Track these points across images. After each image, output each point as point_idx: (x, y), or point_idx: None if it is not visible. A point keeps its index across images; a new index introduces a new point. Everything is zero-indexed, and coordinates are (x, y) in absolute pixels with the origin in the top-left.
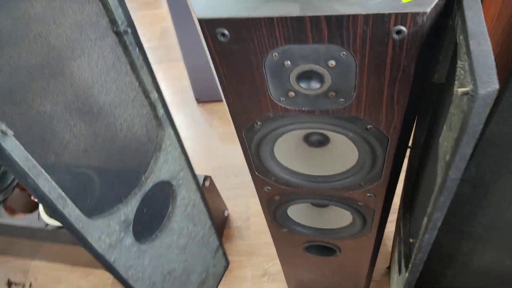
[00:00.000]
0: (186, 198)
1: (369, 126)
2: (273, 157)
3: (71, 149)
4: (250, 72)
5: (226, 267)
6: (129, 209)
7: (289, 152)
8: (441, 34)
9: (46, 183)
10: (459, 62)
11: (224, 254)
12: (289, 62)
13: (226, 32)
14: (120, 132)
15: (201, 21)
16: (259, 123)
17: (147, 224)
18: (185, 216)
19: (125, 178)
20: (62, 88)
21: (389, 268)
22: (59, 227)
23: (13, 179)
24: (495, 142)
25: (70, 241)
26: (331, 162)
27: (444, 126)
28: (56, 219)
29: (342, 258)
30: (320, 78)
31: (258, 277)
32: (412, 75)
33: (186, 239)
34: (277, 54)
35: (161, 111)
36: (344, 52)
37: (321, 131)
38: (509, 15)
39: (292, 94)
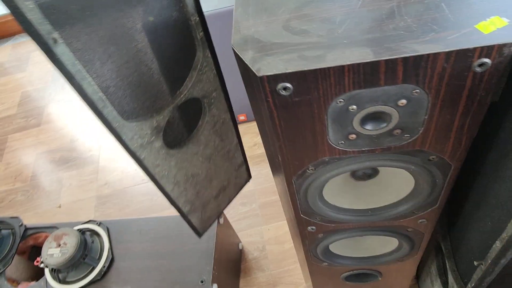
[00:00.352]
0: (216, 116)
1: (432, 157)
2: (321, 198)
3: (114, 59)
4: (311, 120)
5: (247, 180)
6: (161, 117)
7: (336, 190)
8: None
9: (89, 87)
10: None
11: (248, 169)
12: (354, 107)
13: (289, 85)
14: (160, 50)
15: (262, 78)
16: (311, 168)
17: (177, 133)
18: (213, 132)
19: (160, 91)
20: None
21: (416, 278)
22: None
23: (11, 247)
24: None
25: None
26: (381, 193)
27: None
28: (97, 117)
29: (382, 282)
30: (387, 118)
31: None
32: (488, 104)
33: (212, 150)
34: (342, 100)
35: (200, 33)
36: (418, 90)
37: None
38: None
39: (353, 136)
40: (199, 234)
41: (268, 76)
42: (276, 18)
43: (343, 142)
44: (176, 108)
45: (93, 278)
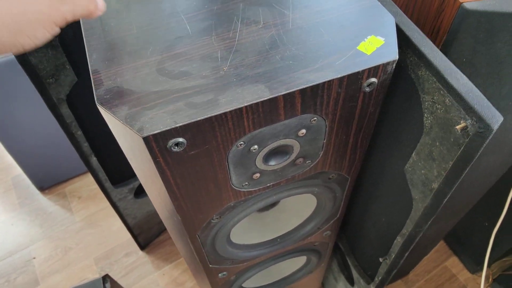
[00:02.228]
0: None
1: (331, 175)
2: (230, 242)
3: None
4: (211, 170)
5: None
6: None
7: (242, 228)
8: None
9: None
10: (425, 96)
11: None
12: (256, 147)
13: (181, 140)
14: None
15: (147, 138)
16: (216, 217)
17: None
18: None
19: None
20: None
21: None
22: None
23: None
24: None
25: None
26: (286, 219)
27: (414, 156)
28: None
29: None
30: (289, 150)
31: None
32: (376, 119)
33: None
34: (243, 142)
35: None
36: (316, 118)
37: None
38: None
39: (257, 176)
40: (141, 247)
41: (154, 135)
42: (146, 61)
43: (247, 183)
44: None
45: None
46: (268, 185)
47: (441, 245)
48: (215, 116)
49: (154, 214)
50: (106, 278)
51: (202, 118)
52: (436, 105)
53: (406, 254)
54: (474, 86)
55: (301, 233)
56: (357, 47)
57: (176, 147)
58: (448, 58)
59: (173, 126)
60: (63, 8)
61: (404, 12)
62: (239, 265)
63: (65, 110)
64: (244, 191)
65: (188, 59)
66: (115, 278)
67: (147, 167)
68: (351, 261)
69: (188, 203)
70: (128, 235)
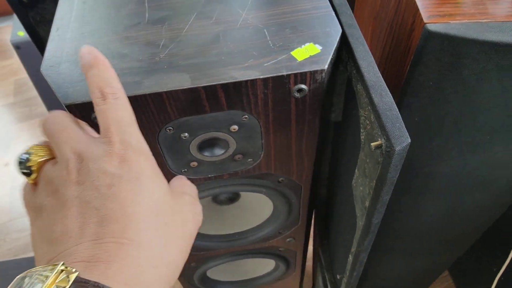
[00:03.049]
0: None
1: (281, 179)
2: None
3: None
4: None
5: None
6: None
7: None
8: (335, 79)
9: None
10: (361, 111)
11: None
12: (186, 134)
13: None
14: None
15: (69, 107)
16: None
17: None
18: None
19: None
20: None
21: None
22: None
23: None
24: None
25: None
26: (245, 217)
27: (356, 171)
28: None
29: None
30: (224, 144)
31: None
32: (318, 127)
33: None
34: (171, 128)
35: None
36: (246, 116)
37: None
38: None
39: (194, 164)
40: None
41: (76, 105)
42: (97, 40)
43: (185, 170)
44: None
45: None
46: (210, 176)
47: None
48: (136, 96)
49: None
50: None
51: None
52: (366, 120)
53: (355, 274)
54: (394, 105)
55: (260, 234)
56: (291, 52)
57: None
58: (414, 81)
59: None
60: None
61: (389, 29)
62: (197, 254)
63: None
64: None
65: (132, 43)
66: None
67: None
68: (329, 276)
69: None
70: None
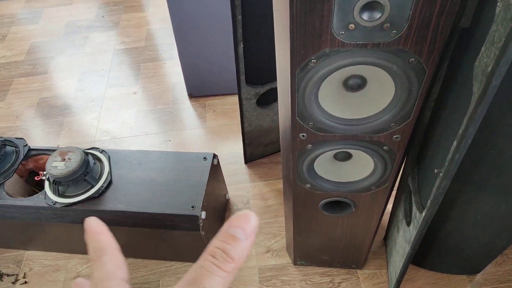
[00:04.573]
0: None
1: (411, 59)
2: (316, 101)
3: None
4: (321, 3)
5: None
6: (262, 89)
7: (329, 97)
8: None
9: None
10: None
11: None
12: None
13: None
14: None
15: None
16: (313, 60)
17: (263, 100)
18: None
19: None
20: None
21: (385, 239)
22: (66, 205)
23: (14, 162)
24: (503, 81)
25: (77, 220)
26: (367, 104)
27: (483, 48)
28: (236, 78)
29: (355, 216)
30: (381, 9)
31: (262, 253)
32: (458, 5)
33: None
34: None
35: None
36: None
37: (366, 68)
38: None
39: (352, 26)
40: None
41: None
42: None
43: (343, 32)
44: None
45: (91, 195)
46: (358, 43)
47: None
48: None
49: (266, 132)
50: (215, 156)
51: None
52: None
53: (457, 157)
54: None
55: (375, 123)
56: None
57: None
58: None
59: None
60: None
61: None
62: (317, 133)
63: None
64: (338, 40)
65: None
66: None
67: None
68: (415, 198)
69: (299, 33)
70: (240, 149)
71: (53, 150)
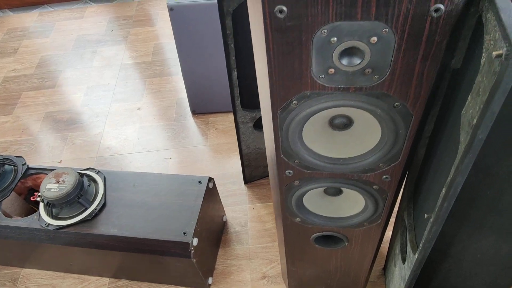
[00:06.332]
0: None
1: (396, 104)
2: (301, 139)
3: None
4: (298, 48)
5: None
6: (258, 113)
7: (314, 135)
8: (464, 20)
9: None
10: (486, 36)
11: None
12: (335, 39)
13: (285, 8)
14: None
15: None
16: (294, 101)
17: (260, 123)
18: None
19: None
20: None
21: (384, 269)
22: (60, 227)
23: (12, 181)
24: (499, 125)
25: (70, 242)
26: (353, 144)
27: (469, 97)
28: (231, 103)
29: (348, 250)
30: (361, 55)
31: (257, 280)
32: (443, 51)
33: None
34: (326, 30)
35: None
36: (386, 29)
37: (351, 109)
38: None
39: (332, 71)
40: (245, 181)
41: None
42: None
43: (323, 76)
44: None
45: (84, 217)
46: (339, 86)
47: None
48: None
49: (264, 154)
50: (211, 179)
51: None
52: (491, 42)
53: (445, 205)
54: None
55: (362, 163)
56: None
57: (279, 14)
58: None
59: None
60: None
61: None
62: (304, 171)
63: (228, 22)
64: (319, 83)
65: None
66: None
67: (259, 37)
68: (410, 236)
69: (277, 74)
70: (240, 168)
71: (51, 170)
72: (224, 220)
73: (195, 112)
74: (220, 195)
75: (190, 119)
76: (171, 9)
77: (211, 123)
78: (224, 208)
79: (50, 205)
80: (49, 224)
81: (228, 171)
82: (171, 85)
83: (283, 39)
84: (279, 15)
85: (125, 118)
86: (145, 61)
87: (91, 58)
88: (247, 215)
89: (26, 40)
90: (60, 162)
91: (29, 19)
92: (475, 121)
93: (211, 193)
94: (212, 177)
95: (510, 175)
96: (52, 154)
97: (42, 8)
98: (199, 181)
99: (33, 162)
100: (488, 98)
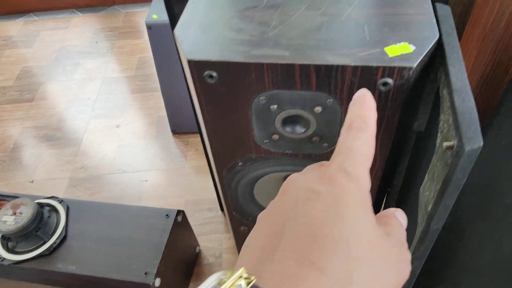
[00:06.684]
0: None
1: None
2: (252, 198)
3: None
4: (236, 113)
5: None
6: None
7: (267, 193)
8: (423, 86)
9: None
10: (442, 115)
11: None
12: (275, 107)
13: (214, 74)
14: None
15: (190, 62)
16: (240, 163)
17: None
18: None
19: None
20: None
21: None
22: (15, 262)
23: None
24: (471, 189)
25: (27, 278)
26: None
27: (426, 176)
28: None
29: None
30: (305, 123)
31: None
32: (396, 124)
33: None
34: (264, 98)
35: None
36: (330, 100)
37: None
38: (482, 70)
39: (276, 137)
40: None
41: (195, 62)
42: (221, 14)
43: (267, 141)
44: None
45: (41, 252)
46: (286, 152)
47: None
48: (241, 63)
49: None
50: (180, 212)
51: (231, 61)
52: (445, 124)
53: (417, 274)
54: (475, 110)
55: None
56: (384, 48)
57: (209, 79)
58: (508, 102)
59: (208, 59)
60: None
61: (493, 51)
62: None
63: None
64: (264, 148)
65: (248, 21)
66: (193, 223)
67: (195, 100)
68: None
69: (217, 137)
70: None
71: (14, 197)
72: (197, 251)
73: (175, 131)
74: (196, 223)
75: (170, 139)
76: (149, 27)
77: (191, 144)
78: (198, 238)
79: (6, 239)
80: (4, 258)
81: (205, 196)
82: (153, 101)
83: (218, 104)
84: (209, 80)
85: (102, 136)
86: (128, 75)
87: (73, 70)
88: (222, 245)
89: (8, 50)
90: (32, 181)
91: (13, 27)
92: (429, 208)
93: (180, 226)
94: (189, 202)
95: (485, 235)
96: (24, 173)
97: (27, 17)
98: (167, 215)
99: (4, 180)
100: (441, 188)
